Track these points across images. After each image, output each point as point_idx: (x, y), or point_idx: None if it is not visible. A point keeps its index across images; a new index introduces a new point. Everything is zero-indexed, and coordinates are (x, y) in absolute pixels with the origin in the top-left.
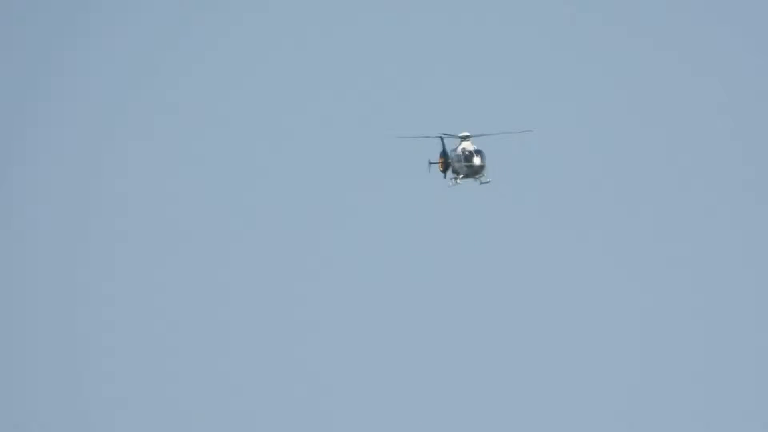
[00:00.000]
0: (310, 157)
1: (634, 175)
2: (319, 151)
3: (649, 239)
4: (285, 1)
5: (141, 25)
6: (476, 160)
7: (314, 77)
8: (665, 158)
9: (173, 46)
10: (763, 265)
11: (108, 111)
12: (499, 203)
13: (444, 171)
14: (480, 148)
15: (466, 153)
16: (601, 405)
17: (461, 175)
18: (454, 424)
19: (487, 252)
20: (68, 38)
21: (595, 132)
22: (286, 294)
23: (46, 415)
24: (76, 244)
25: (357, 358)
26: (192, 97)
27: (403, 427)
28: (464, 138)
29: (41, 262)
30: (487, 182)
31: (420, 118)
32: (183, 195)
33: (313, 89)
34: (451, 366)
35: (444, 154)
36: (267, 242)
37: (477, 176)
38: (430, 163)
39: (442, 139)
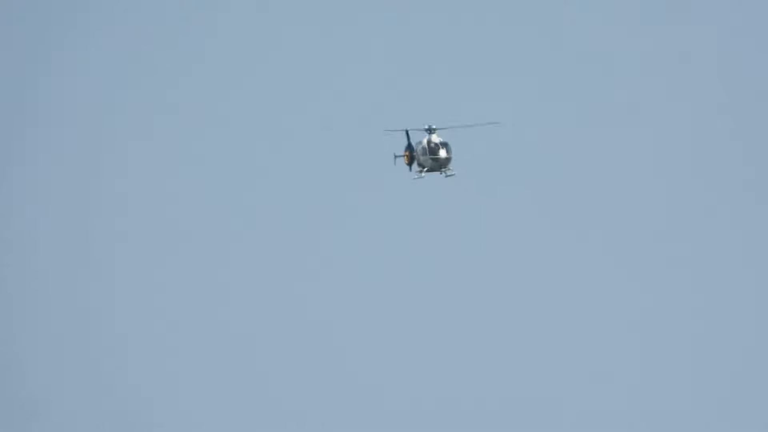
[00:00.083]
0: (279, 153)
1: (602, 168)
2: (288, 146)
3: (617, 231)
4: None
5: (140, 25)
6: (442, 153)
7: (288, 74)
8: (635, 151)
9: (173, 46)
10: (742, 257)
11: (108, 111)
12: (464, 196)
13: (409, 164)
14: (446, 141)
15: (432, 146)
16: (579, 399)
17: (426, 168)
18: (428, 421)
19: (452, 245)
20: (68, 38)
21: (562, 125)
22: (261, 288)
23: (44, 415)
24: (76, 244)
25: (324, 350)
26: (188, 97)
27: (382, 423)
28: (430, 131)
29: (41, 262)
30: (452, 175)
31: (390, 113)
32: (177, 194)
33: (289, 85)
34: (423, 359)
35: (409, 147)
36: (239, 234)
37: (442, 169)
38: (396, 156)
39: (407, 132)
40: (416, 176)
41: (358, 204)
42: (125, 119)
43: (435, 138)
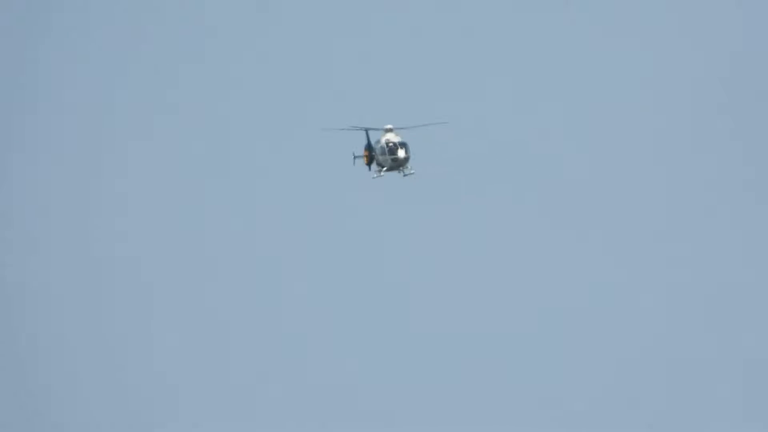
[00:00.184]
0: (239, 150)
1: (559, 162)
2: (247, 142)
3: (580, 226)
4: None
5: (139, 25)
6: (400, 153)
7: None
8: (599, 147)
9: (171, 47)
10: (714, 248)
11: (107, 111)
12: (423, 195)
13: (369, 164)
14: (404, 141)
15: (390, 145)
16: (529, 390)
17: (385, 168)
18: (398, 417)
19: (411, 244)
20: (67, 38)
21: (523, 124)
22: (226, 286)
23: (40, 415)
24: (75, 244)
25: (286, 347)
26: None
27: (356, 417)
28: (388, 130)
29: (40, 262)
30: (411, 174)
31: (348, 112)
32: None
33: (253, 85)
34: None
35: (369, 147)
36: (201, 234)
37: (401, 168)
38: (355, 156)
39: (366, 132)
40: (375, 175)
41: (316, 203)
42: (125, 119)
43: (393, 137)
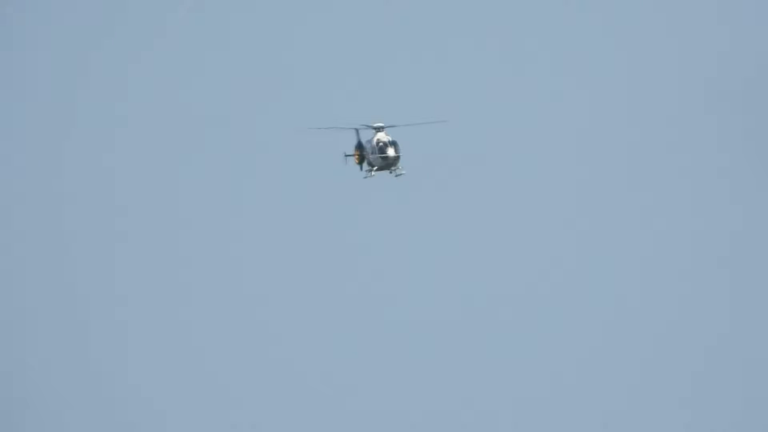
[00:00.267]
0: (230, 149)
1: (549, 165)
2: (238, 142)
3: (565, 225)
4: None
5: (139, 24)
6: (390, 152)
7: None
8: (585, 149)
9: (162, 45)
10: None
11: (107, 110)
12: (414, 196)
13: (360, 163)
14: (394, 140)
15: (380, 144)
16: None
17: (376, 167)
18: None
19: (402, 243)
20: (65, 39)
21: (510, 124)
22: (217, 286)
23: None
24: (74, 244)
25: (279, 349)
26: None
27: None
28: (378, 129)
29: (40, 261)
30: (402, 174)
31: (336, 111)
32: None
33: (242, 84)
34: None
35: (359, 146)
36: (196, 232)
37: (392, 168)
38: (346, 155)
39: (357, 131)
40: (366, 175)
41: (304, 203)
42: (124, 119)
43: (383, 137)
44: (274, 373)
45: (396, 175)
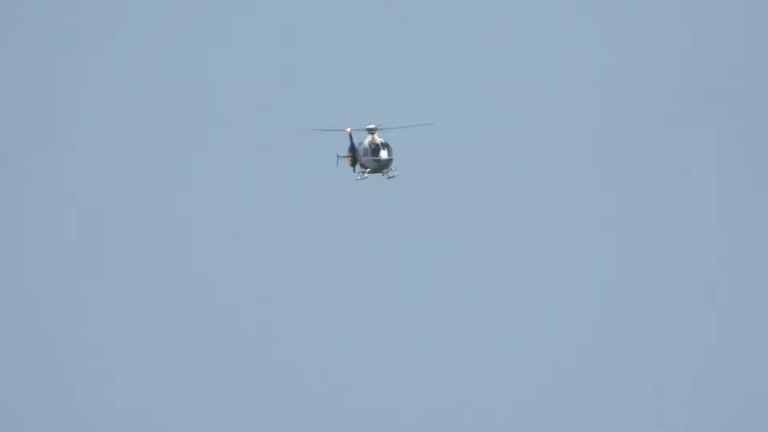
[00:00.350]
0: (224, 154)
1: (537, 166)
2: (231, 142)
3: (558, 228)
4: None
5: (137, 25)
6: (383, 154)
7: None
8: (570, 151)
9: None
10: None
11: (107, 110)
12: (406, 198)
13: (353, 165)
14: (387, 142)
15: (373, 147)
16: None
17: (369, 170)
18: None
19: (394, 245)
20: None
21: (499, 125)
22: (211, 290)
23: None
24: (74, 244)
25: (265, 350)
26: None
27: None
28: (371, 131)
29: (38, 262)
30: (395, 176)
31: (330, 112)
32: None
33: (238, 86)
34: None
35: (352, 148)
36: (177, 234)
37: (384, 170)
38: (339, 157)
39: (350, 133)
40: (360, 177)
41: (296, 205)
42: (121, 119)
43: (376, 139)
44: (274, 373)
45: (388, 178)
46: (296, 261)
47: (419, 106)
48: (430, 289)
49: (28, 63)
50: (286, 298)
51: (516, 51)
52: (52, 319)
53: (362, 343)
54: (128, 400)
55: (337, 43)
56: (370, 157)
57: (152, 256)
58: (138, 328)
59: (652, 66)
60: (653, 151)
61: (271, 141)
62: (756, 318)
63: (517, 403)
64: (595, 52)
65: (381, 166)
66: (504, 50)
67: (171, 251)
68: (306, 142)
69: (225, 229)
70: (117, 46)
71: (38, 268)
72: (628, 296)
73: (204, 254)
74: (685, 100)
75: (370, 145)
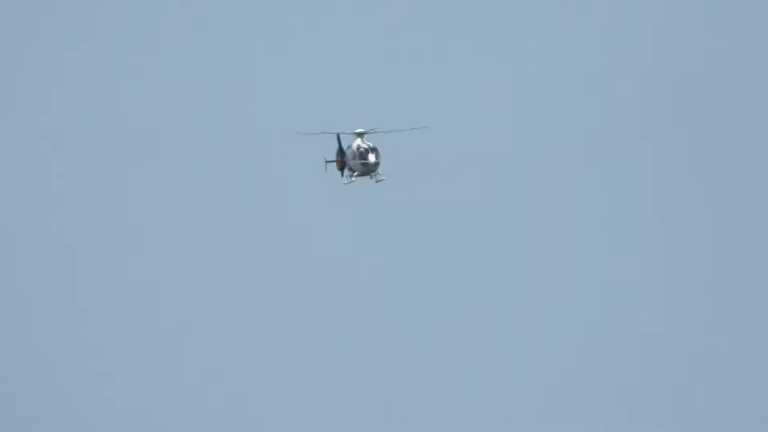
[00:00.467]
0: (210, 155)
1: (530, 170)
2: (219, 146)
3: (546, 230)
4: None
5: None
6: (371, 158)
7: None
8: (560, 153)
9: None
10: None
11: (106, 110)
12: (394, 201)
13: (341, 169)
14: (374, 146)
15: (361, 150)
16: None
17: (356, 173)
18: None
19: (382, 249)
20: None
21: (485, 129)
22: (200, 294)
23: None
24: (74, 244)
25: (256, 353)
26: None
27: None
28: (359, 135)
29: (38, 262)
30: (382, 180)
31: (330, 112)
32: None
33: (224, 87)
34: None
35: (340, 152)
36: (167, 236)
37: (372, 174)
38: (326, 161)
39: (338, 137)
40: (347, 181)
41: (284, 209)
42: (118, 119)
43: (363, 143)
44: (274, 373)
45: (376, 181)
46: (284, 264)
47: (419, 106)
48: (420, 290)
49: (28, 63)
50: (279, 300)
51: (516, 51)
52: (52, 319)
53: (360, 343)
54: (128, 400)
55: (338, 43)
56: (357, 161)
57: (151, 256)
58: (137, 328)
59: (652, 66)
60: (653, 151)
61: (271, 142)
62: (756, 318)
63: (517, 403)
64: (595, 52)
65: (369, 170)
66: (504, 50)
67: (167, 251)
68: (296, 146)
69: (211, 233)
70: (117, 46)
71: (38, 268)
72: (628, 296)
73: (198, 256)
74: (685, 100)
75: (357, 149)
